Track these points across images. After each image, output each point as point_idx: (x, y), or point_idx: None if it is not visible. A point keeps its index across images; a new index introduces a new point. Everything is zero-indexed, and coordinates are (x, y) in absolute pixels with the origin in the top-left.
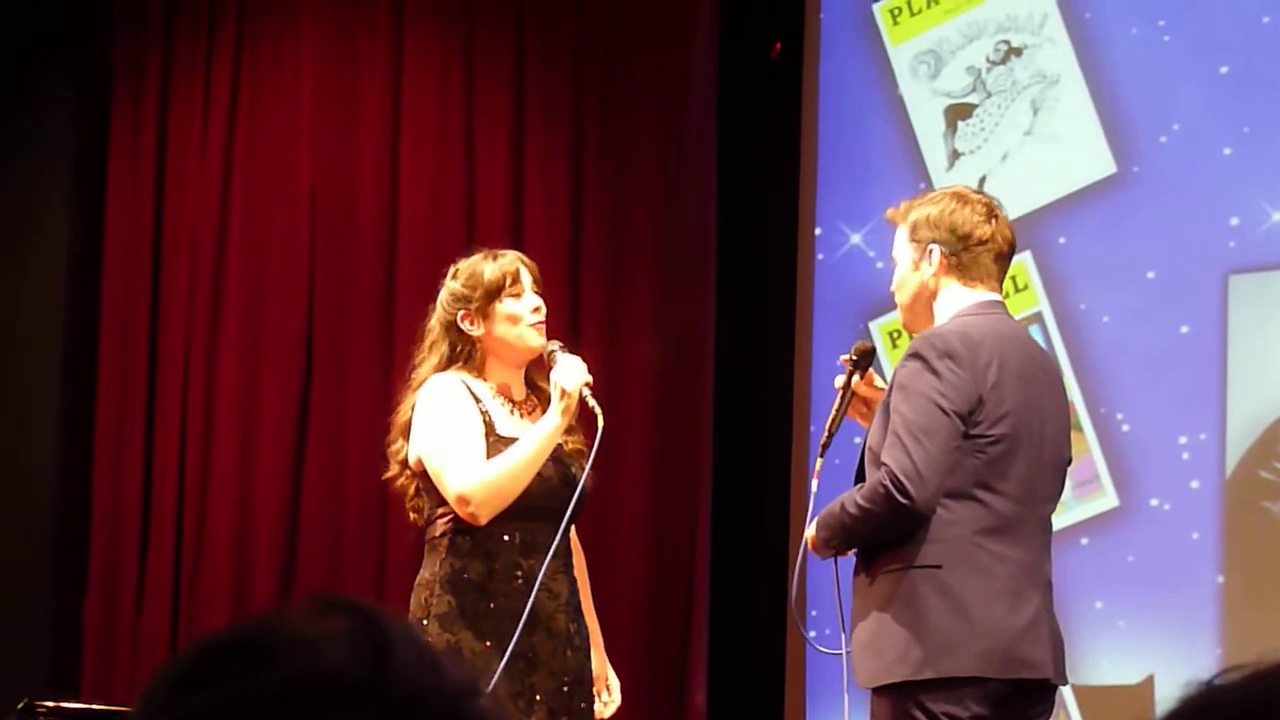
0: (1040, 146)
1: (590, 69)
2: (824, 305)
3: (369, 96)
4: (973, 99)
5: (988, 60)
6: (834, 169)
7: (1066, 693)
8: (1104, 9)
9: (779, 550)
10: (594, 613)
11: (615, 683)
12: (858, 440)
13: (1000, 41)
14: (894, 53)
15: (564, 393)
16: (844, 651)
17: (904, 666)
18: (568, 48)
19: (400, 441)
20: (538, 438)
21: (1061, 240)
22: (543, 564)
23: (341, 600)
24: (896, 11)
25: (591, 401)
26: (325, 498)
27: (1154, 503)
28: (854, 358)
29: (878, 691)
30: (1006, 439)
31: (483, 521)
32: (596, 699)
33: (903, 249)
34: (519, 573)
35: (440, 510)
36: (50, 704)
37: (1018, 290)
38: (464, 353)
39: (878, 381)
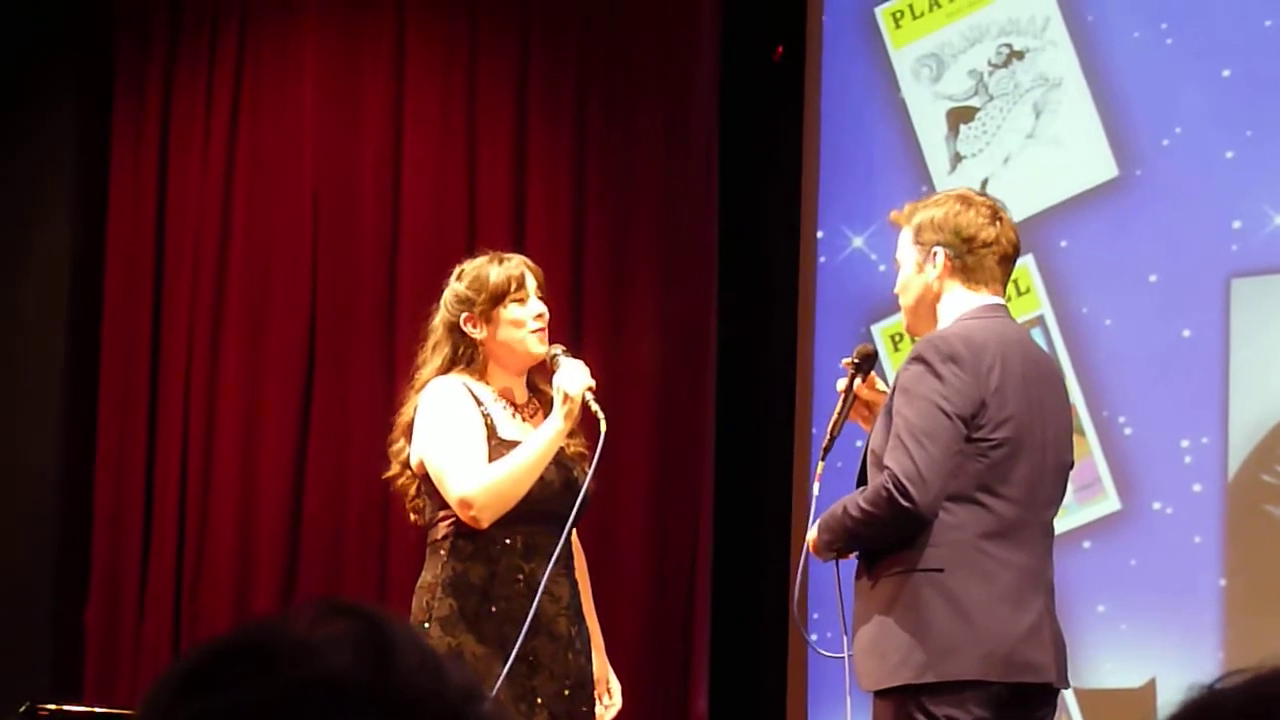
0: (1042, 150)
1: (593, 71)
2: (826, 308)
3: (371, 97)
4: (975, 102)
5: (990, 63)
6: (836, 172)
7: (1069, 696)
8: (1106, 12)
9: (780, 553)
10: (595, 615)
11: (616, 686)
12: (859, 443)
13: (1002, 45)
14: (896, 56)
15: (566, 397)
16: (846, 655)
17: (906, 669)
18: (570, 49)
19: (402, 441)
20: (540, 442)
21: (1063, 243)
22: (544, 567)
23: (343, 604)
24: (899, 15)
25: (594, 406)
26: (327, 499)
27: (1156, 506)
28: (856, 361)
29: (880, 695)
30: (1009, 443)
31: (485, 525)
32: (598, 702)
33: (907, 252)
34: (520, 576)
35: (442, 513)
36: (52, 707)
37: (1020, 294)
38: (466, 355)
39: (880, 385)
